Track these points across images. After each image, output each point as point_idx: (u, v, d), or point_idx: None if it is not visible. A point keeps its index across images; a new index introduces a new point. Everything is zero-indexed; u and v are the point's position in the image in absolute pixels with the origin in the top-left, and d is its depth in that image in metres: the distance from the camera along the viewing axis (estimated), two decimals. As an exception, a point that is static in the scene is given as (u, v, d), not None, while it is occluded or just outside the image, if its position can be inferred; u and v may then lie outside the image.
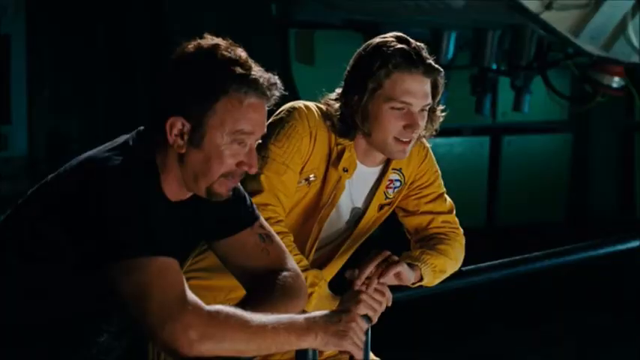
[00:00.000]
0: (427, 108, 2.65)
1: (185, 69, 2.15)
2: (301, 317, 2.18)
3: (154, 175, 2.15)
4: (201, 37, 2.19)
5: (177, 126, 2.14)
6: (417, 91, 2.61)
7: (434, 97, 2.67)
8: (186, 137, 2.14)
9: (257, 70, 2.16)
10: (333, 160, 2.71)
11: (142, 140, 2.20)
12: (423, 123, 2.65)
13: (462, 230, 2.86)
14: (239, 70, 2.13)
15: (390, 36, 2.66)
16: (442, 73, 2.66)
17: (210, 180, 2.18)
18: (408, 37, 2.66)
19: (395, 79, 2.61)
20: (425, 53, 2.64)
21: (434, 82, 2.65)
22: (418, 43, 2.65)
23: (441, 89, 2.67)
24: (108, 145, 2.19)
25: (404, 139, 2.64)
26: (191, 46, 2.17)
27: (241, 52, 2.17)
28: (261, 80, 2.15)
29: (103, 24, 6.14)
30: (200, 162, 2.16)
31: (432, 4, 5.60)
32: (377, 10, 6.18)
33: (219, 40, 2.18)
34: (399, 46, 2.63)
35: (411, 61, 2.61)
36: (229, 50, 2.15)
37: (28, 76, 6.10)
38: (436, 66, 2.64)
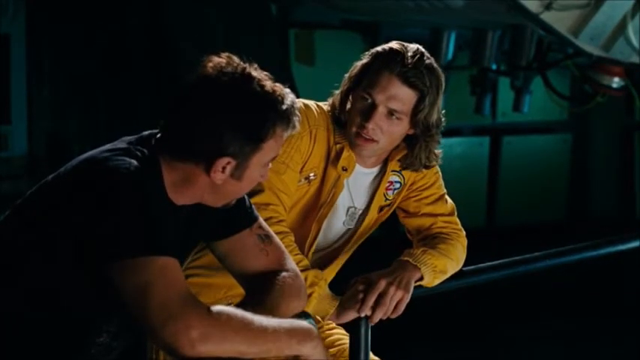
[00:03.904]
0: (397, 115, 2.60)
1: (228, 107, 2.14)
2: (303, 322, 2.18)
3: (156, 175, 2.16)
4: (212, 53, 2.19)
5: (222, 164, 2.16)
6: (384, 87, 2.60)
7: (416, 112, 2.62)
8: (227, 171, 2.17)
9: (288, 100, 2.19)
10: (332, 159, 2.71)
11: (144, 143, 2.20)
12: (385, 125, 2.61)
13: (464, 232, 2.86)
14: (281, 107, 2.17)
15: (392, 42, 2.68)
16: (432, 91, 2.61)
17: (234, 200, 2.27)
18: (409, 45, 2.66)
19: (374, 71, 2.63)
20: (413, 61, 2.60)
21: (420, 96, 2.61)
22: (415, 52, 2.62)
23: (429, 109, 2.61)
24: (109, 146, 2.19)
25: (361, 133, 2.63)
26: (225, 77, 2.16)
27: (271, 83, 2.19)
28: (294, 111, 2.20)
29: (103, 24, 6.14)
30: (236, 191, 2.23)
31: (432, 4, 5.60)
32: (377, 10, 6.19)
33: (248, 69, 2.18)
34: (395, 47, 2.64)
35: (392, 59, 2.61)
36: (263, 83, 2.17)
37: (28, 76, 6.10)
38: (419, 81, 2.59)
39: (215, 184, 2.18)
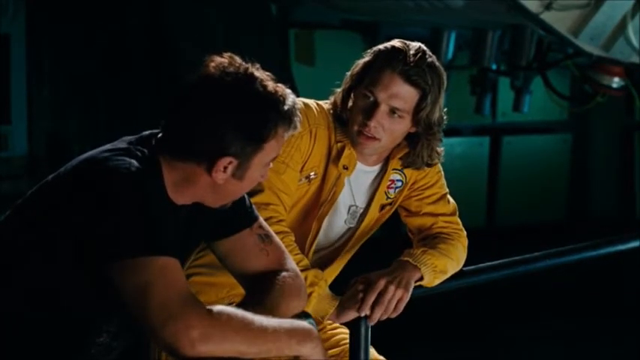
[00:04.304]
0: (399, 113, 2.61)
1: (231, 107, 2.15)
2: (303, 322, 2.19)
3: (156, 175, 2.16)
4: (213, 52, 2.19)
5: (224, 164, 2.16)
6: (386, 85, 2.60)
7: (418, 110, 2.62)
8: (229, 171, 2.17)
9: (289, 100, 2.20)
10: (333, 157, 2.71)
11: (144, 143, 2.20)
12: (387, 123, 2.61)
13: (465, 232, 2.86)
14: (283, 108, 2.18)
15: (394, 40, 2.68)
16: (434, 89, 2.61)
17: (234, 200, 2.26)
18: (411, 43, 2.66)
19: (376, 69, 2.63)
20: (415, 59, 2.60)
21: (422, 94, 2.61)
22: (417, 51, 2.62)
23: (431, 107, 2.62)
24: (109, 146, 2.19)
25: (363, 131, 2.63)
26: (228, 77, 2.16)
27: (273, 83, 2.19)
28: (295, 111, 2.20)
29: (103, 24, 6.14)
30: (236, 191, 2.23)
31: (432, 4, 5.60)
32: (377, 10, 6.19)
33: (251, 69, 2.18)
34: (397, 45, 2.64)
35: (394, 57, 2.61)
36: (266, 83, 2.18)
37: (28, 76, 6.10)
38: (421, 79, 2.59)
39: (216, 184, 2.18)
